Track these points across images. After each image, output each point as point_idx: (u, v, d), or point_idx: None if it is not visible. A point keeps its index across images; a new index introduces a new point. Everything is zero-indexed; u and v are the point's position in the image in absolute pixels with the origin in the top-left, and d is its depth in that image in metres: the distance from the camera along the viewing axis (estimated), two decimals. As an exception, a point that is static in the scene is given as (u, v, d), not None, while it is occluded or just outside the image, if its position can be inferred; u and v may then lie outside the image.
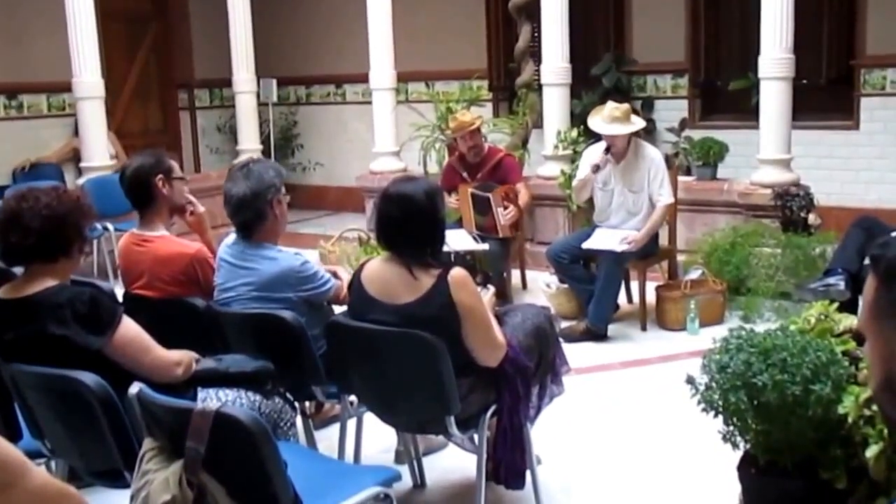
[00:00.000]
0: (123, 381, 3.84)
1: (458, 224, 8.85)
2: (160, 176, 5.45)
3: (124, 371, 4.15)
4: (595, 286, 8.04)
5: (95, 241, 10.15)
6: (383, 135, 11.87)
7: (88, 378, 3.94)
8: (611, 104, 8.24)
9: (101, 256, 10.57)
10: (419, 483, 5.48)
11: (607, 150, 8.14)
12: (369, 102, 12.25)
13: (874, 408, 3.59)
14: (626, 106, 8.29)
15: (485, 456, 4.76)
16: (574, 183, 8.69)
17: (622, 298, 8.81)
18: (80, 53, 10.96)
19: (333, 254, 9.63)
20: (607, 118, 8.09)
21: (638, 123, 8.28)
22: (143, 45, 14.36)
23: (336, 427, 5.44)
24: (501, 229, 8.67)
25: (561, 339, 5.51)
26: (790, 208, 8.73)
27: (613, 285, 8.11)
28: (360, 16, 11.75)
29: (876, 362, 2.31)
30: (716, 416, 4.05)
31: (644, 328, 8.30)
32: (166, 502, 3.29)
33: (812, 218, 8.66)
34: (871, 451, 3.53)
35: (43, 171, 11.50)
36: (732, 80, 11.59)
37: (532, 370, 4.90)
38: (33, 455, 3.79)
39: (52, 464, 4.50)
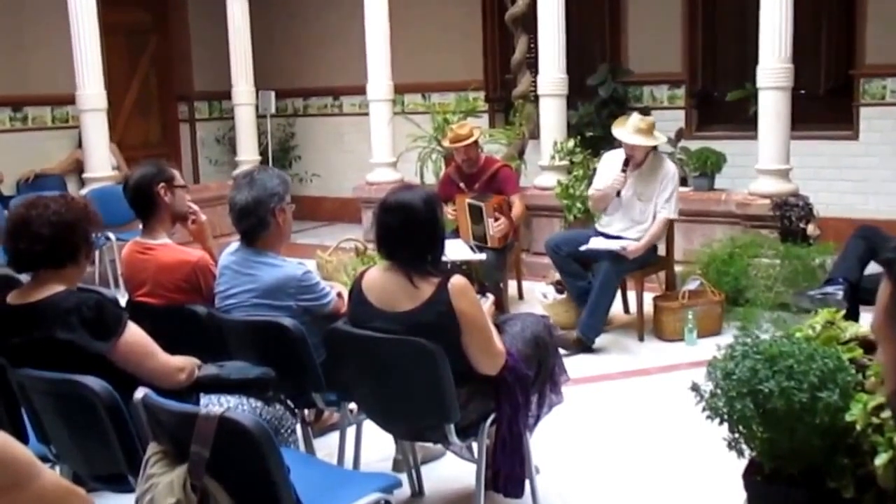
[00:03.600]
0: (128, 386, 3.84)
1: (455, 234, 8.83)
2: (162, 184, 5.55)
3: (129, 376, 4.17)
4: (590, 295, 8.01)
5: (97, 251, 10.14)
6: (380, 146, 11.91)
7: (94, 383, 3.96)
8: (636, 116, 8.29)
9: (103, 266, 10.63)
10: (417, 491, 5.45)
11: (626, 163, 8.12)
12: (366, 114, 12.30)
13: (883, 415, 3.56)
14: (651, 119, 8.29)
15: (484, 464, 4.74)
16: (591, 192, 8.67)
17: (620, 309, 8.84)
18: (83, 66, 11.04)
19: (330, 264, 9.62)
20: (631, 129, 8.10)
21: (660, 138, 8.31)
22: (144, 58, 14.48)
23: (334, 436, 5.46)
24: (490, 240, 8.65)
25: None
26: (789, 218, 8.70)
27: (608, 294, 8.06)
28: (357, 28, 11.81)
29: (890, 367, 2.28)
30: (721, 423, 4.02)
31: (641, 339, 8.27)
32: None
33: (811, 228, 8.62)
34: (881, 460, 3.50)
35: (46, 182, 11.55)
36: (729, 91, 11.57)
37: (531, 379, 4.89)
38: (39, 459, 3.79)
39: (58, 468, 4.49)
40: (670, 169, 8.27)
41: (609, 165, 8.40)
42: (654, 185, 8.18)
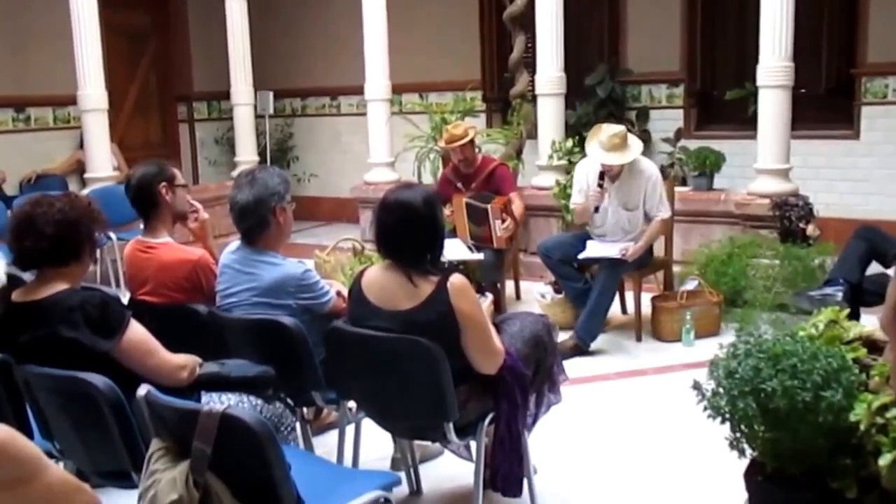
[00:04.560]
0: (131, 383, 3.87)
1: (453, 234, 8.81)
2: (164, 183, 5.61)
3: (132, 373, 4.20)
4: (589, 299, 7.98)
5: (99, 251, 10.14)
6: (378, 146, 11.90)
7: (98, 380, 3.99)
8: (607, 129, 8.03)
9: (105, 265, 10.63)
10: (415, 490, 5.47)
11: (601, 176, 7.99)
12: (363, 114, 12.29)
13: (888, 415, 3.55)
14: (623, 130, 8.04)
15: (482, 463, 4.74)
16: (572, 206, 8.65)
17: (618, 309, 8.83)
18: (84, 67, 11.07)
19: (328, 264, 9.60)
20: (606, 145, 7.91)
21: (635, 148, 8.06)
22: (144, 60, 14.52)
23: (333, 434, 5.45)
24: (497, 241, 8.62)
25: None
26: (788, 218, 8.63)
27: (607, 299, 8.03)
28: (355, 28, 11.79)
29: None
30: (722, 422, 4.02)
31: (639, 339, 8.26)
32: (173, 501, 3.31)
33: (811, 229, 8.54)
34: (885, 460, 3.48)
35: (48, 182, 11.58)
36: (729, 90, 11.54)
37: (530, 378, 4.90)
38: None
39: (61, 465, 4.50)
40: (651, 171, 8.20)
41: (584, 175, 8.32)
42: (638, 192, 8.12)
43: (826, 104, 11.49)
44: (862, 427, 3.64)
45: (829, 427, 3.73)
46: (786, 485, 3.95)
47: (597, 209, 8.10)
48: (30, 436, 4.38)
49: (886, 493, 3.57)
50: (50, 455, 4.34)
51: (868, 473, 3.66)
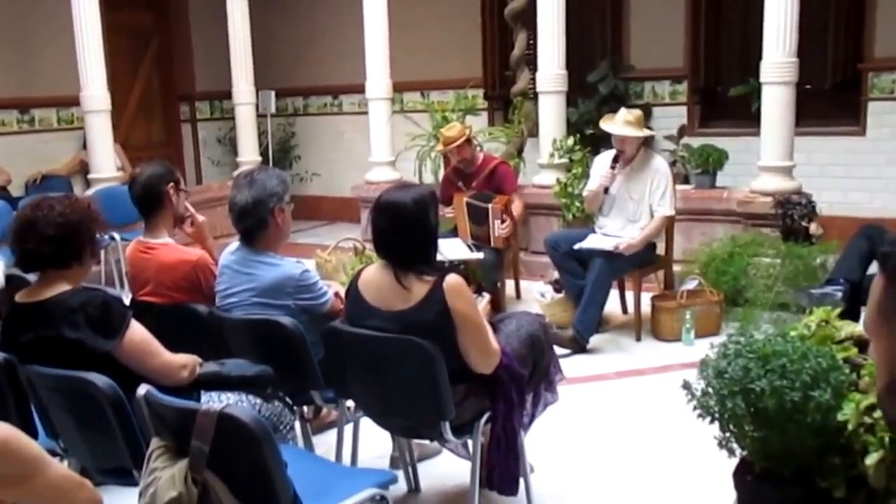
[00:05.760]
0: (132, 382, 3.92)
1: (454, 233, 8.83)
2: (171, 184, 5.66)
3: (133, 373, 4.25)
4: (584, 290, 8.00)
5: (102, 251, 10.19)
6: (379, 145, 11.91)
7: (99, 380, 4.06)
8: (624, 109, 8.33)
9: (108, 266, 10.66)
10: (413, 488, 5.51)
11: (615, 159, 8.15)
12: (365, 113, 12.28)
13: (875, 415, 3.56)
14: (639, 112, 8.35)
15: (479, 462, 4.77)
16: (585, 193, 8.73)
17: (617, 308, 8.84)
18: (87, 68, 11.11)
19: (329, 263, 9.62)
20: (620, 122, 8.14)
21: (648, 131, 8.33)
22: (146, 59, 14.56)
23: (332, 433, 5.48)
24: (495, 241, 8.64)
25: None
26: (791, 217, 8.55)
27: (602, 289, 8.03)
28: (356, 27, 11.80)
29: (882, 363, 2.29)
30: (712, 422, 4.03)
31: (638, 339, 8.26)
32: (172, 499, 3.36)
33: (813, 227, 8.46)
34: (871, 459, 3.49)
35: (52, 183, 11.71)
36: (732, 87, 11.50)
37: (526, 378, 4.91)
38: (49, 454, 3.88)
39: (65, 462, 4.55)
40: (660, 165, 8.26)
41: (601, 166, 8.41)
42: (645, 183, 8.18)
43: (832, 100, 11.36)
44: (850, 426, 3.65)
45: (817, 426, 3.73)
46: (775, 484, 3.96)
47: (606, 190, 8.21)
48: (34, 434, 4.44)
49: (874, 492, 3.59)
50: (54, 453, 4.43)
51: (856, 472, 3.67)
